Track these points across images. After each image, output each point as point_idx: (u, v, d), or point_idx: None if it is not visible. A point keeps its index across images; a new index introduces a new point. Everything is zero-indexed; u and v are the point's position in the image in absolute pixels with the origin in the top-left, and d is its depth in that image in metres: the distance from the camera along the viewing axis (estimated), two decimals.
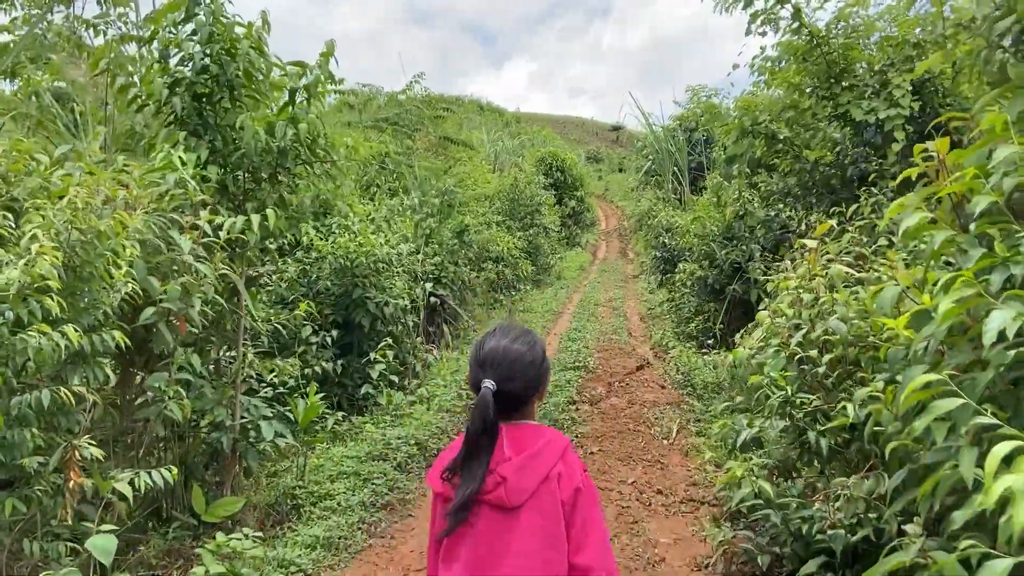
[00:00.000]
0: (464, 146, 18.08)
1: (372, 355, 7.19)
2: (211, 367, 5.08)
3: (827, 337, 3.83)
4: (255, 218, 4.46)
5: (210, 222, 4.28)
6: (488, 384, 1.80)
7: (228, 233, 4.31)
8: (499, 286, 17.37)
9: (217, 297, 4.36)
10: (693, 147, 21.09)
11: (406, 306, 8.12)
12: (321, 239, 7.94)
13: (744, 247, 10.48)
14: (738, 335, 8.45)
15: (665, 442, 6.87)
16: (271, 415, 5.09)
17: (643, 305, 17.35)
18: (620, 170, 53.43)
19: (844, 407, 3.45)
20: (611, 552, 1.82)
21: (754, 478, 4.19)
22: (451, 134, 18.85)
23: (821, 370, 3.83)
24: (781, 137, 7.37)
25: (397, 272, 8.84)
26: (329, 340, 7.33)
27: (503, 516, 1.76)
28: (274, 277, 7.27)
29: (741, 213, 10.76)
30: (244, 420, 4.95)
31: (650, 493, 5.66)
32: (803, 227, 7.24)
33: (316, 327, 7.38)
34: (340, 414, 6.91)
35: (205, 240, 4.28)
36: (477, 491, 1.75)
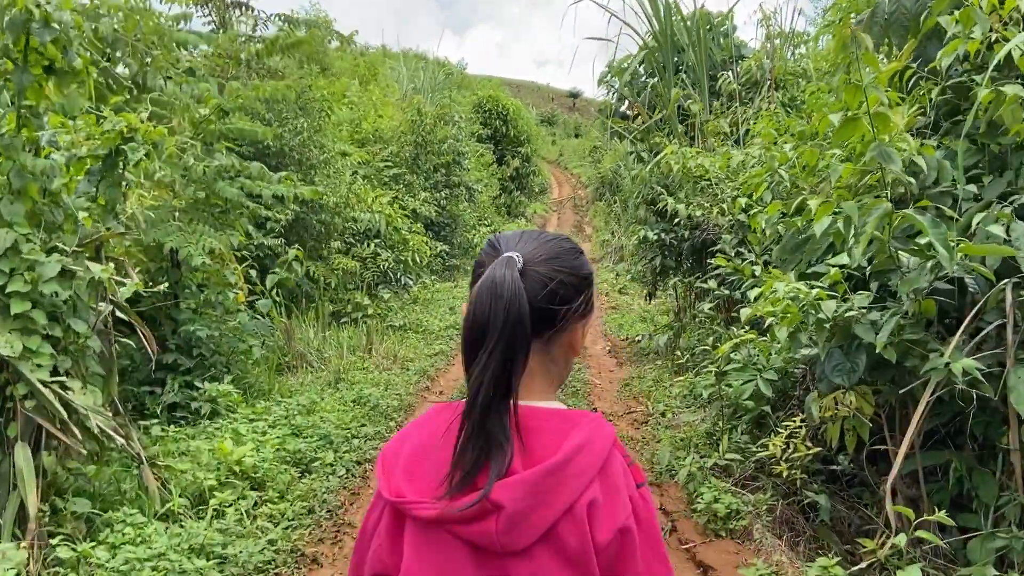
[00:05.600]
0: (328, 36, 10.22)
1: None
2: None
3: None
4: None
5: None
6: (512, 255, 0.94)
7: None
8: (365, 282, 9.53)
9: None
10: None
11: None
12: None
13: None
14: None
15: None
16: None
17: (612, 320, 9.73)
18: (576, 135, 45.88)
19: None
20: None
21: None
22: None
23: None
24: None
25: None
26: None
27: (493, 563, 0.89)
28: None
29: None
30: None
31: None
32: None
33: None
34: None
35: None
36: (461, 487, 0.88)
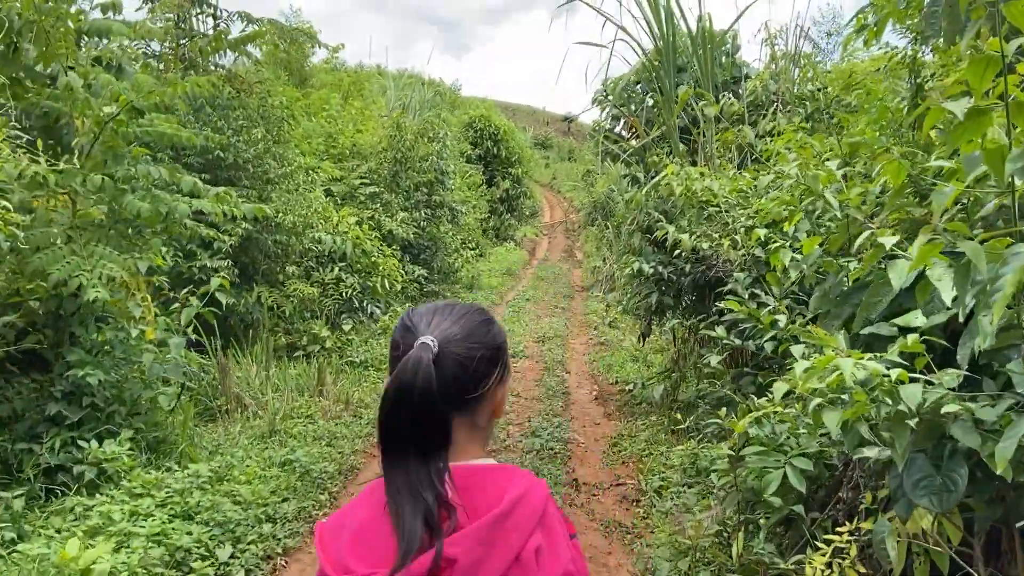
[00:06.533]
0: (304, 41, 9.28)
1: None
2: None
3: None
4: None
5: None
6: (427, 340, 0.95)
7: None
8: (325, 310, 8.45)
9: None
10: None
11: None
12: None
13: None
14: None
15: None
16: None
17: (601, 359, 8.66)
18: (570, 159, 45.09)
19: None
20: None
21: None
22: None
23: None
24: None
25: None
26: None
27: None
28: None
29: None
30: None
31: None
32: None
33: None
34: None
35: None
36: (409, 557, 0.88)
